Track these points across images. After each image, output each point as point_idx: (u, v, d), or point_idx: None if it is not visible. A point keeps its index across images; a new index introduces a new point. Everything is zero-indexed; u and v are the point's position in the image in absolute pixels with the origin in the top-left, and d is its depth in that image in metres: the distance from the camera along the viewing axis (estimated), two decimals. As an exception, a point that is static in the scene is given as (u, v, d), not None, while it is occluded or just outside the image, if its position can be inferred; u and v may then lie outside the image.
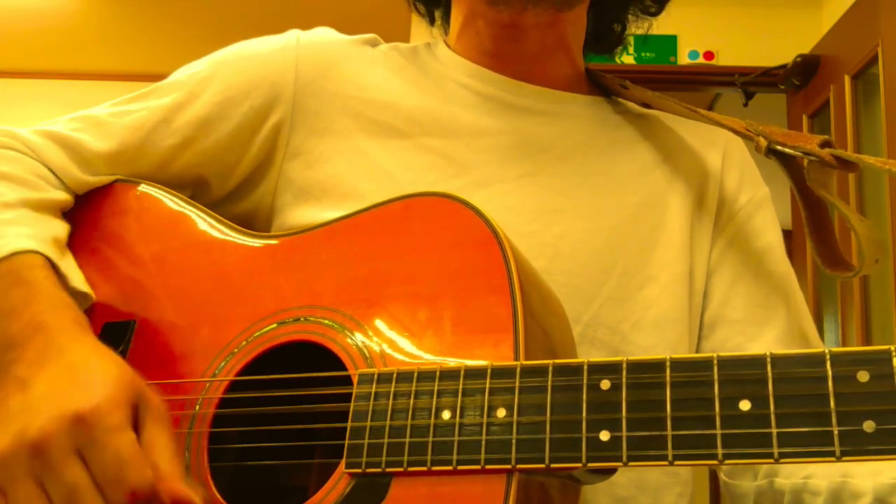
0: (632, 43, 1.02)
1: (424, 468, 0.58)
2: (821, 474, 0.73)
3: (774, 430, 0.52)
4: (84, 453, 0.58)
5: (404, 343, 0.65)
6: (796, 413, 0.52)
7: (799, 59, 3.26)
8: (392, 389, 0.62)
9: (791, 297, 0.87)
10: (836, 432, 0.50)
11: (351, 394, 0.63)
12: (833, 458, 0.50)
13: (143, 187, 0.86)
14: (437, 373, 0.61)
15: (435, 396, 0.60)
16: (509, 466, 0.56)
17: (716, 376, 0.54)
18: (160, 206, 0.85)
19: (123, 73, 4.45)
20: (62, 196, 0.84)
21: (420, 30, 2.30)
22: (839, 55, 3.08)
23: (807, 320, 0.87)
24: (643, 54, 3.55)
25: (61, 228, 0.81)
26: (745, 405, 0.53)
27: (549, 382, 0.58)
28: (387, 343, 0.65)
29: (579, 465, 0.56)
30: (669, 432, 0.54)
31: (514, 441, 0.57)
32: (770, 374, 0.53)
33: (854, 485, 0.68)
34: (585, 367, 0.57)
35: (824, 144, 0.74)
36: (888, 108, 2.68)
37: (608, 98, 0.94)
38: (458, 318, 0.64)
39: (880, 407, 0.50)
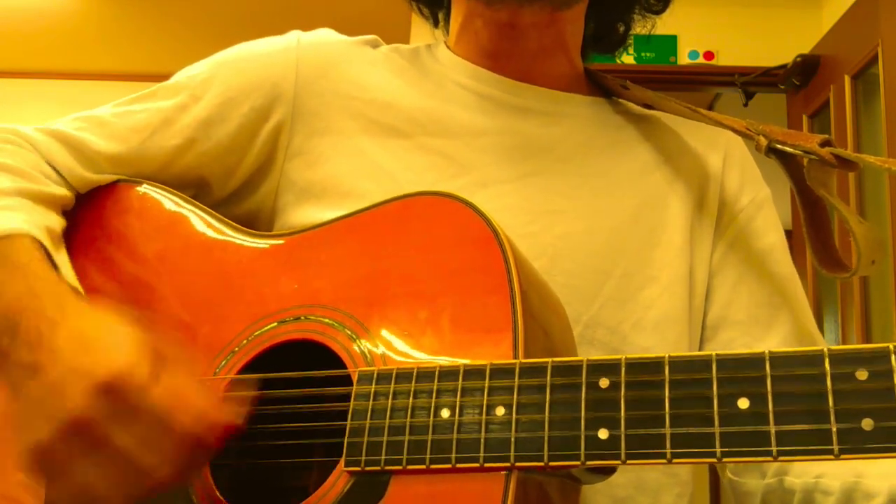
0: (632, 43, 1.02)
1: (423, 466, 0.58)
2: (833, 474, 0.72)
3: (773, 429, 0.52)
4: (122, 419, 0.58)
5: (404, 342, 0.65)
6: (795, 411, 0.52)
7: (799, 59, 3.26)
8: (391, 388, 0.62)
9: (795, 299, 0.87)
10: (834, 430, 0.50)
11: (350, 392, 0.63)
12: (832, 457, 0.50)
13: (146, 187, 0.86)
14: (437, 372, 0.61)
15: (434, 395, 0.60)
16: (508, 465, 0.57)
17: (714, 375, 0.54)
18: (162, 206, 0.85)
19: (123, 73, 4.45)
20: (62, 192, 0.83)
21: (420, 30, 2.30)
22: (839, 55, 3.08)
23: (811, 322, 0.87)
24: (643, 54, 3.55)
25: (57, 222, 0.80)
26: (743, 403, 0.53)
27: (548, 381, 0.58)
28: (386, 342, 0.65)
29: (578, 463, 0.56)
30: (668, 431, 0.54)
31: (512, 439, 0.57)
32: (769, 372, 0.53)
33: (867, 485, 0.68)
34: (584, 366, 0.58)
35: (824, 143, 0.74)
36: (888, 108, 2.68)
37: (608, 98, 0.94)
38: (457, 318, 0.64)
39: (879, 405, 0.50)
